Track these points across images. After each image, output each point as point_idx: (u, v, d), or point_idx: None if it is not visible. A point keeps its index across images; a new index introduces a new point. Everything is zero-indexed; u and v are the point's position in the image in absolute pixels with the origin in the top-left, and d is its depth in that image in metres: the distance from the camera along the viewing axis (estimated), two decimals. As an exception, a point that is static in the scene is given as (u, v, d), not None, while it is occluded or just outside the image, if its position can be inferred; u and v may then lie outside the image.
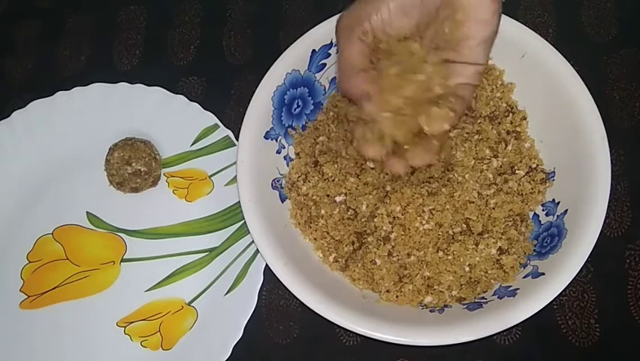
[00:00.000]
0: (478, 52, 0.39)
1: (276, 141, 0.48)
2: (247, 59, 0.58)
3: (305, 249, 0.47)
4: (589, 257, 0.41)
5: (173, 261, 0.51)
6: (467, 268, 0.44)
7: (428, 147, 0.40)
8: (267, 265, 0.44)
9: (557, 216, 0.45)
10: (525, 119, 0.48)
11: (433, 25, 0.40)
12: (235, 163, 0.46)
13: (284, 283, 0.42)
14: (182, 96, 0.55)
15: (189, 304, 0.50)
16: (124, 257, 0.52)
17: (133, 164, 0.51)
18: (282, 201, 0.48)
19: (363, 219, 0.46)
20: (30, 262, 0.52)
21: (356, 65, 0.40)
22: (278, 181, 0.48)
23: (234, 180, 0.47)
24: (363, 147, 0.40)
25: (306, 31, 0.48)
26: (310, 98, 0.50)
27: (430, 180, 0.46)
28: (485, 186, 0.46)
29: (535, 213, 0.47)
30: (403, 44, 0.39)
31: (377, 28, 0.39)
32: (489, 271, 0.44)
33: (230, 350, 0.47)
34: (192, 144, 0.54)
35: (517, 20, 0.47)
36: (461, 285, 0.44)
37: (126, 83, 0.55)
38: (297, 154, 0.49)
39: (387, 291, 0.44)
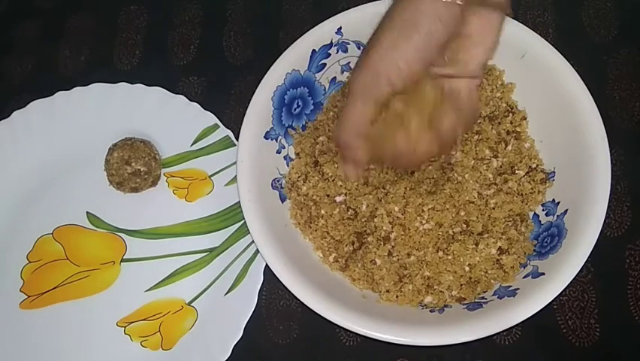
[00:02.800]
0: (476, 70, 0.41)
1: (276, 141, 0.48)
2: (247, 59, 0.58)
3: (305, 249, 0.47)
4: (589, 257, 0.41)
5: (173, 261, 0.51)
6: (467, 268, 0.44)
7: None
8: (267, 265, 0.44)
9: (557, 216, 0.45)
10: (525, 119, 0.48)
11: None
12: (235, 163, 0.46)
13: (284, 283, 0.42)
14: (182, 96, 0.55)
15: (189, 304, 0.50)
16: (124, 257, 0.52)
17: (132, 164, 0.51)
18: (282, 201, 0.48)
19: (363, 219, 0.46)
20: (30, 262, 0.52)
21: (361, 129, 0.41)
22: (278, 181, 0.48)
23: (234, 180, 0.47)
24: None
25: (306, 31, 0.48)
26: (310, 98, 0.50)
27: (429, 180, 0.46)
28: (485, 186, 0.46)
29: (535, 213, 0.47)
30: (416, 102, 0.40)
31: (396, 86, 0.39)
32: (489, 271, 0.44)
33: (230, 350, 0.47)
34: (192, 144, 0.54)
35: (517, 20, 0.47)
36: (461, 285, 0.44)
37: (126, 83, 0.55)
38: (297, 154, 0.49)
39: (387, 291, 0.44)
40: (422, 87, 0.39)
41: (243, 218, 0.44)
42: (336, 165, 0.47)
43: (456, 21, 0.38)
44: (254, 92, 0.47)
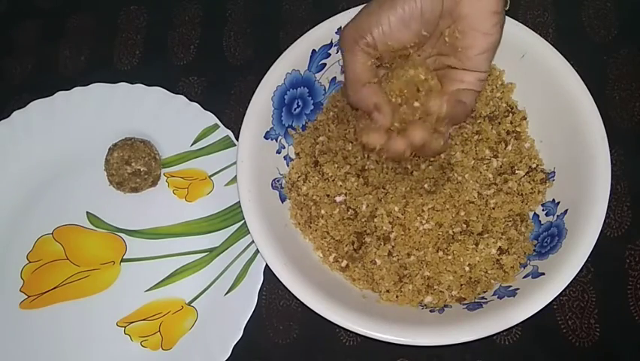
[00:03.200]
0: (479, 60, 0.41)
1: (276, 141, 0.48)
2: (247, 59, 0.58)
3: (305, 249, 0.47)
4: (589, 257, 0.41)
5: (173, 261, 0.51)
6: (467, 268, 0.44)
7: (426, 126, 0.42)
8: (267, 265, 0.44)
9: (557, 216, 0.45)
10: (525, 119, 0.48)
11: (435, 35, 0.41)
12: (235, 163, 0.46)
13: (284, 284, 0.42)
14: (182, 96, 0.55)
15: (189, 304, 0.50)
16: (124, 257, 0.52)
17: (132, 164, 0.51)
18: (282, 201, 0.48)
19: (363, 219, 0.46)
20: (30, 262, 0.52)
21: (362, 77, 0.41)
22: (278, 181, 0.48)
23: (234, 180, 0.47)
24: (364, 136, 0.42)
25: (306, 31, 0.48)
26: (310, 98, 0.50)
27: (429, 180, 0.46)
28: (485, 186, 0.46)
29: (535, 213, 0.47)
30: (403, 60, 0.41)
31: (379, 40, 0.40)
32: (489, 271, 0.44)
33: (230, 350, 0.47)
34: (192, 144, 0.54)
35: (517, 20, 0.47)
36: (461, 285, 0.44)
37: (126, 83, 0.55)
38: (297, 154, 0.49)
39: (387, 291, 0.44)
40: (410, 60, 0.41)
41: (243, 218, 0.44)
42: (336, 165, 0.47)
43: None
44: (254, 92, 0.47)
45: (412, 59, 0.41)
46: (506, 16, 0.46)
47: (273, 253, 0.43)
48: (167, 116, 0.54)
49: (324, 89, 0.51)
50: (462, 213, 0.45)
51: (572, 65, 0.46)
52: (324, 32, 0.48)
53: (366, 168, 0.47)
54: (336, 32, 0.48)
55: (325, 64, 0.49)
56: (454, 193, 0.45)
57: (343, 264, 0.46)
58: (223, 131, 0.53)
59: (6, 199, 0.53)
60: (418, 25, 0.39)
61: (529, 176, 0.47)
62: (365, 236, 0.46)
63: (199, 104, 0.54)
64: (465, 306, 0.43)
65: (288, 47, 0.48)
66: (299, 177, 0.48)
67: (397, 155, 0.42)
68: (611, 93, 0.53)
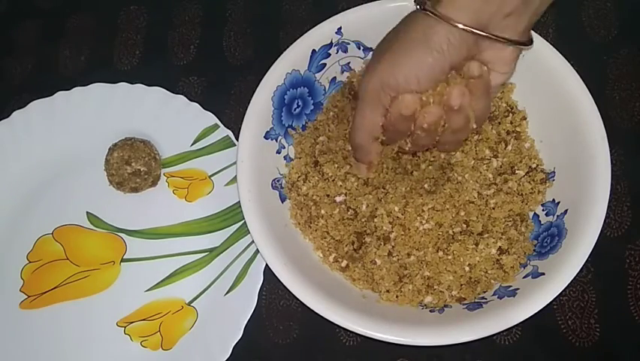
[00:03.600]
0: (493, 90, 0.42)
1: (276, 141, 0.48)
2: (247, 59, 0.58)
3: (305, 249, 0.47)
4: (589, 257, 0.41)
5: (173, 261, 0.51)
6: (467, 268, 0.44)
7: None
8: (267, 265, 0.44)
9: (557, 216, 0.45)
10: (525, 119, 0.48)
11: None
12: (235, 163, 0.46)
13: (284, 284, 0.42)
14: (182, 96, 0.55)
15: (189, 304, 0.50)
16: (124, 257, 0.52)
17: (132, 164, 0.51)
18: (282, 201, 0.48)
19: (363, 219, 0.46)
20: (30, 262, 0.52)
21: (374, 132, 0.43)
22: (278, 181, 0.48)
23: (234, 180, 0.47)
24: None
25: (306, 31, 0.48)
26: (310, 98, 0.50)
27: (429, 180, 0.46)
28: (485, 186, 0.46)
29: (535, 213, 0.47)
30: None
31: (402, 92, 0.39)
32: (489, 271, 0.44)
33: (230, 350, 0.47)
34: (192, 144, 0.54)
35: (517, 20, 0.47)
36: (461, 285, 0.44)
37: (126, 83, 0.55)
38: (297, 154, 0.49)
39: (387, 291, 0.44)
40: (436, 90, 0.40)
41: (243, 218, 0.44)
42: (336, 165, 0.47)
43: (469, 48, 0.38)
44: (254, 92, 0.47)
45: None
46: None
47: (273, 253, 0.43)
48: (167, 116, 0.54)
49: (324, 89, 0.51)
50: (462, 213, 0.45)
51: (572, 65, 0.46)
52: (324, 32, 0.48)
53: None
54: (336, 32, 0.48)
55: (325, 64, 0.49)
56: (454, 193, 0.45)
57: (343, 264, 0.46)
58: (223, 131, 0.53)
59: (6, 199, 0.53)
60: (444, 76, 0.39)
61: (529, 176, 0.46)
62: (365, 236, 0.46)
63: (199, 104, 0.54)
64: (465, 306, 0.43)
65: (288, 47, 0.48)
66: (299, 177, 0.48)
67: (433, 124, 0.41)
68: (611, 93, 0.53)
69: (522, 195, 0.46)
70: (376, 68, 0.40)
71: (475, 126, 0.41)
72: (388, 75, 0.39)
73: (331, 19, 0.48)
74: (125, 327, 0.50)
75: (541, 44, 0.47)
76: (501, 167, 0.47)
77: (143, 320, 0.50)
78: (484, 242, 0.44)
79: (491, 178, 0.46)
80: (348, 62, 0.50)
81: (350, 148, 0.47)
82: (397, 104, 0.40)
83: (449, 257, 0.44)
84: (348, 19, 0.48)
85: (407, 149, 0.44)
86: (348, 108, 0.49)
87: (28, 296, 0.51)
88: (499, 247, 0.44)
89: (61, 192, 0.54)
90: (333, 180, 0.47)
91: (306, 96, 0.50)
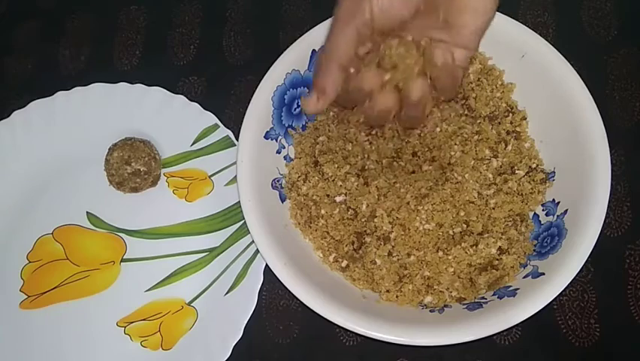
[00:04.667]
0: (470, 39, 0.40)
1: (276, 141, 0.48)
2: (247, 59, 0.58)
3: (305, 249, 0.47)
4: (589, 257, 0.41)
5: (173, 261, 0.51)
6: (467, 268, 0.44)
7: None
8: (267, 265, 0.44)
9: (557, 216, 0.45)
10: (525, 119, 0.48)
11: (428, 9, 0.39)
12: (235, 163, 0.46)
13: (284, 284, 0.42)
14: (182, 96, 0.55)
15: (189, 304, 0.50)
16: (124, 257, 0.52)
17: (132, 164, 0.51)
18: (282, 201, 0.48)
19: (363, 219, 0.46)
20: (30, 262, 0.52)
21: (342, 58, 0.40)
22: (278, 181, 0.48)
23: (234, 180, 0.47)
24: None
25: (306, 31, 0.48)
26: (310, 98, 0.50)
27: (429, 180, 0.46)
28: (485, 186, 0.46)
29: (535, 213, 0.47)
30: (400, 52, 0.40)
31: (377, 17, 0.38)
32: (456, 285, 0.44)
33: (230, 350, 0.47)
34: (192, 144, 0.54)
35: (517, 20, 0.47)
36: (461, 285, 0.44)
37: (126, 83, 0.55)
38: (297, 154, 0.49)
39: (387, 291, 0.44)
40: (403, 44, 0.39)
41: (243, 218, 0.44)
42: (336, 165, 0.47)
43: None
44: (254, 92, 0.47)
45: (403, 41, 0.40)
46: (506, 16, 0.46)
47: (273, 253, 0.43)
48: (167, 116, 0.54)
49: (324, 89, 0.51)
50: (462, 213, 0.45)
51: (572, 65, 0.46)
52: (324, 32, 0.48)
53: (366, 168, 0.47)
54: (336, 32, 0.48)
55: (325, 64, 0.49)
56: (454, 193, 0.45)
57: (343, 264, 0.46)
58: (223, 131, 0.53)
59: (6, 199, 0.53)
60: (416, 1, 0.38)
61: (529, 176, 0.47)
62: (365, 236, 0.46)
63: (199, 104, 0.54)
64: (465, 306, 0.43)
65: (288, 46, 0.48)
66: (299, 177, 0.48)
67: (384, 112, 0.41)
68: (611, 93, 0.53)
69: (522, 195, 0.46)
70: None
71: (444, 95, 0.42)
72: None
73: (331, 19, 0.48)
74: (125, 327, 0.50)
75: (541, 44, 0.47)
76: (501, 167, 0.47)
77: (143, 320, 0.50)
78: (484, 242, 0.44)
79: (491, 178, 0.46)
80: (348, 62, 0.50)
81: (349, 148, 0.47)
82: (358, 78, 0.40)
83: (449, 257, 0.44)
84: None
85: (368, 112, 0.43)
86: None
87: (28, 296, 0.51)
88: (499, 246, 0.44)
89: (61, 192, 0.54)
90: (333, 180, 0.47)
91: (306, 96, 0.50)
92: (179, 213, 0.52)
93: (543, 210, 0.46)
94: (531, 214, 0.47)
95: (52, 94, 0.55)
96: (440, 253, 0.45)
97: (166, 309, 0.50)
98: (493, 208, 0.46)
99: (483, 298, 0.44)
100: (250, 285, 0.48)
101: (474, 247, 0.44)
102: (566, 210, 0.44)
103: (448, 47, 0.40)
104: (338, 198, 0.47)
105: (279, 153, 0.49)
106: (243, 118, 0.47)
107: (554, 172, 0.47)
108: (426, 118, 0.46)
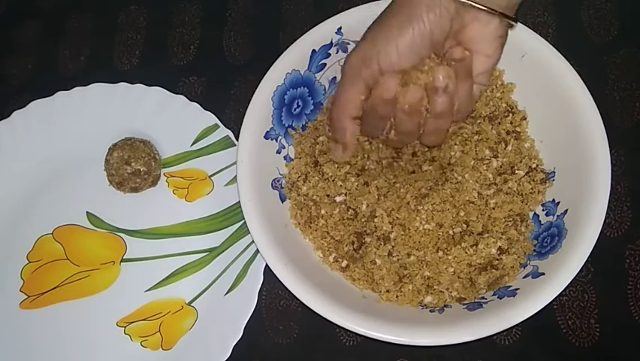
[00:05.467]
0: (479, 79, 0.41)
1: (276, 141, 0.48)
2: (247, 59, 0.58)
3: (305, 249, 0.47)
4: (589, 257, 0.41)
5: (173, 261, 0.51)
6: (467, 268, 0.44)
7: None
8: (267, 265, 0.44)
9: (557, 216, 0.45)
10: (525, 119, 0.48)
11: (438, 55, 0.40)
12: (235, 163, 0.46)
13: (284, 284, 0.42)
14: (182, 96, 0.55)
15: (189, 304, 0.50)
16: (124, 257, 0.52)
17: (132, 164, 0.51)
18: (282, 201, 0.48)
19: (363, 219, 0.46)
20: (30, 262, 0.52)
21: (352, 110, 0.42)
22: (278, 181, 0.48)
23: (234, 180, 0.47)
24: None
25: (306, 31, 0.48)
26: (310, 98, 0.50)
27: (429, 180, 0.46)
28: (485, 186, 0.46)
29: (535, 213, 0.47)
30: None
31: (384, 68, 0.39)
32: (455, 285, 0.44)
33: (230, 350, 0.47)
34: (192, 144, 0.54)
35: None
36: (461, 285, 0.44)
37: (126, 83, 0.55)
38: (297, 154, 0.49)
39: (387, 291, 0.44)
40: (420, 70, 0.39)
41: (243, 218, 0.44)
42: (336, 165, 0.47)
43: (452, 19, 0.38)
44: (254, 92, 0.47)
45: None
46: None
47: (273, 253, 0.43)
48: (167, 116, 0.54)
49: (324, 89, 0.51)
50: (462, 214, 0.45)
51: (572, 65, 0.46)
52: (324, 32, 0.48)
53: (366, 168, 0.47)
54: (336, 32, 0.48)
55: (325, 64, 0.49)
56: (454, 193, 0.45)
57: (343, 264, 0.46)
58: (223, 131, 0.53)
59: (6, 199, 0.53)
60: (426, 50, 0.39)
61: (529, 176, 0.46)
62: (365, 236, 0.46)
63: (199, 104, 0.54)
64: (465, 306, 0.43)
65: (288, 46, 0.48)
66: (299, 177, 0.48)
67: (410, 130, 0.41)
68: (611, 93, 0.53)
69: (522, 195, 0.46)
70: (360, 45, 0.40)
71: (458, 116, 0.41)
72: (369, 49, 0.39)
73: (331, 19, 0.48)
74: (125, 327, 0.50)
75: (541, 44, 0.47)
76: (501, 167, 0.47)
77: (143, 320, 0.50)
78: (484, 242, 0.44)
79: (491, 178, 0.46)
80: (348, 62, 0.50)
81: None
82: (378, 87, 0.40)
83: (449, 257, 0.44)
84: (348, 19, 0.48)
85: (391, 137, 0.43)
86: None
87: (28, 296, 0.51)
88: (499, 246, 0.44)
89: (61, 192, 0.54)
90: (333, 180, 0.47)
91: (306, 96, 0.50)
92: (179, 213, 0.52)
93: (543, 210, 0.46)
94: (531, 214, 0.47)
95: (52, 94, 0.55)
96: (440, 253, 0.45)
97: (166, 309, 0.50)
98: (493, 208, 0.46)
99: (483, 298, 0.44)
100: (250, 285, 0.48)
101: (474, 247, 0.44)
102: (566, 210, 0.44)
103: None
104: (338, 198, 0.47)
105: (279, 153, 0.49)
106: (243, 118, 0.47)
107: (554, 172, 0.47)
108: (446, 135, 0.45)
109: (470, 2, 0.37)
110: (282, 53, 0.48)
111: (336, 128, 0.44)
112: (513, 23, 0.40)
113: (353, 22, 0.48)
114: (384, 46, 0.38)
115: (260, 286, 0.48)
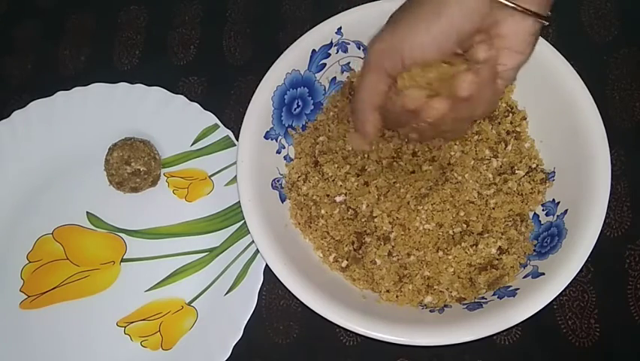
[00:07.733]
0: (508, 75, 0.40)
1: (276, 141, 0.48)
2: (247, 59, 0.58)
3: (305, 249, 0.47)
4: (589, 257, 0.41)
5: (173, 261, 0.51)
6: (467, 268, 0.44)
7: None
8: (267, 265, 0.44)
9: (557, 216, 0.45)
10: (525, 119, 0.48)
11: (465, 51, 0.39)
12: (235, 163, 0.46)
13: (284, 284, 0.42)
14: (182, 96, 0.55)
15: (189, 304, 0.50)
16: (124, 257, 0.52)
17: (132, 164, 0.51)
18: (282, 201, 0.48)
19: (363, 219, 0.46)
20: (30, 262, 0.52)
21: (376, 102, 0.41)
22: (278, 181, 0.48)
23: (234, 180, 0.47)
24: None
25: (306, 31, 0.48)
26: (310, 98, 0.50)
27: (429, 180, 0.46)
28: (485, 186, 0.46)
29: (535, 213, 0.47)
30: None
31: (408, 62, 0.38)
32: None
33: (230, 350, 0.47)
34: (192, 144, 0.54)
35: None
36: (461, 285, 0.44)
37: (126, 83, 0.55)
38: (297, 154, 0.49)
39: (387, 291, 0.44)
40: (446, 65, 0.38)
41: (243, 218, 0.44)
42: (336, 165, 0.47)
43: (482, 17, 0.36)
44: (254, 92, 0.47)
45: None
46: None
47: (273, 253, 0.43)
48: (167, 116, 0.54)
49: (324, 89, 0.51)
50: (462, 213, 0.45)
51: (572, 65, 0.46)
52: (324, 32, 0.48)
53: (366, 168, 0.47)
54: (336, 32, 0.48)
55: (325, 64, 0.49)
56: (454, 193, 0.45)
57: (343, 264, 0.46)
58: (223, 131, 0.53)
59: (6, 199, 0.53)
60: (452, 44, 0.37)
61: (529, 176, 0.46)
62: (365, 236, 0.46)
63: (199, 104, 0.54)
64: (465, 306, 0.43)
65: (288, 47, 0.48)
66: (299, 177, 0.48)
67: (438, 117, 0.40)
68: (611, 93, 0.53)
69: (522, 195, 0.46)
70: (383, 34, 0.39)
71: (481, 116, 0.41)
72: (394, 40, 0.38)
73: (331, 19, 0.48)
74: (125, 327, 0.50)
75: (541, 44, 0.47)
76: (501, 167, 0.47)
77: (143, 320, 0.50)
78: (484, 242, 0.44)
79: (491, 178, 0.46)
80: (348, 62, 0.50)
81: (350, 148, 0.47)
82: (401, 98, 0.39)
83: (449, 257, 0.44)
84: (348, 19, 0.48)
85: (412, 137, 0.43)
86: (348, 108, 0.49)
87: (28, 296, 0.51)
88: (499, 246, 0.44)
89: (61, 192, 0.54)
90: (333, 180, 0.47)
91: (306, 96, 0.50)
92: (179, 213, 0.52)
93: (543, 210, 0.46)
94: (531, 214, 0.47)
95: (52, 94, 0.55)
96: (440, 253, 0.45)
97: (166, 309, 0.50)
98: (493, 208, 0.46)
99: (483, 298, 0.44)
100: (250, 285, 0.48)
101: (474, 247, 0.44)
102: (566, 210, 0.44)
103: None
104: (338, 198, 0.47)
105: (279, 153, 0.49)
106: (243, 118, 0.47)
107: (554, 172, 0.47)
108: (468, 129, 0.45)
109: (505, 2, 0.36)
110: (282, 53, 0.48)
111: (358, 116, 0.43)
112: (546, 23, 0.38)
113: (353, 22, 0.48)
114: (408, 36, 0.37)
115: (260, 286, 0.48)
